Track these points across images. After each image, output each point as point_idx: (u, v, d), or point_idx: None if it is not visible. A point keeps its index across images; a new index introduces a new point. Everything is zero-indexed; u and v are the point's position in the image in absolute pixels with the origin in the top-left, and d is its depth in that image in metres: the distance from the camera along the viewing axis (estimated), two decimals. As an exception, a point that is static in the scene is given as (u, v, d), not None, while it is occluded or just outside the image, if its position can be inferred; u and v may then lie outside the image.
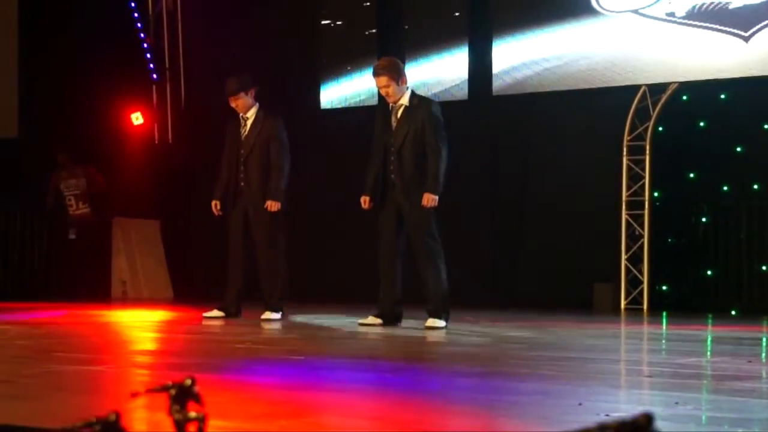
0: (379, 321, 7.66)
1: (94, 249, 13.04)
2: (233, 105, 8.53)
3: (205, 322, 8.17)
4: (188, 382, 2.04)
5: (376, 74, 7.73)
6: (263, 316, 8.33)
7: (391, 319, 7.70)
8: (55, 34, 13.48)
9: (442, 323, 7.47)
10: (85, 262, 12.85)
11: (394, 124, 7.68)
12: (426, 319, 7.52)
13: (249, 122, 8.52)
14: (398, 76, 7.67)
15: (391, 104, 7.73)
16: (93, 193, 13.00)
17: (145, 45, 14.21)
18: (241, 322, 8.23)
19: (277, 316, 8.38)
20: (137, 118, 14.10)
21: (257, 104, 8.56)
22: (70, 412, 3.19)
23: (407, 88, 7.75)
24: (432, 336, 7.02)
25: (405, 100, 7.68)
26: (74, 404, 3.39)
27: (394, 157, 7.64)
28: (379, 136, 7.80)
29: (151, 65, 14.21)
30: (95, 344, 6.29)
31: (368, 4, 12.92)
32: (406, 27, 12.63)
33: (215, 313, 8.46)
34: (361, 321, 7.72)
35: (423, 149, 7.56)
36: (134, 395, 2.17)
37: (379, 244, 7.78)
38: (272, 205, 8.36)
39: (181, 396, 2.04)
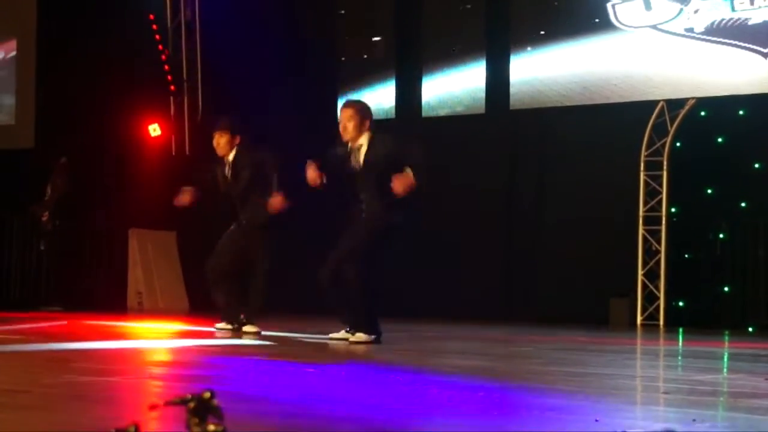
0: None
1: (65, 260, 12.69)
2: (215, 142, 8.58)
3: (218, 334, 8.19)
4: (207, 395, 2.04)
5: (344, 106, 7.68)
6: (245, 329, 8.33)
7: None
8: (73, 46, 13.52)
9: (366, 337, 7.36)
10: (56, 273, 12.54)
11: (360, 158, 7.55)
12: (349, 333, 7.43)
13: (230, 162, 8.59)
14: (363, 117, 7.56)
15: (349, 145, 7.59)
16: (54, 201, 12.57)
17: (164, 57, 14.25)
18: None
19: (257, 329, 8.38)
20: (155, 130, 14.13)
21: (237, 148, 8.62)
22: (87, 422, 3.20)
23: (368, 132, 7.60)
24: (446, 349, 7.00)
25: (364, 140, 7.57)
26: (91, 414, 3.40)
27: (361, 191, 7.52)
28: (342, 154, 7.62)
29: (169, 77, 14.25)
30: (111, 355, 6.30)
31: (386, 18, 12.93)
32: (424, 41, 12.64)
33: (223, 325, 8.49)
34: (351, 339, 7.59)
35: (388, 180, 7.39)
36: (153, 408, 2.17)
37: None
38: (277, 201, 8.34)
39: (201, 409, 2.03)
